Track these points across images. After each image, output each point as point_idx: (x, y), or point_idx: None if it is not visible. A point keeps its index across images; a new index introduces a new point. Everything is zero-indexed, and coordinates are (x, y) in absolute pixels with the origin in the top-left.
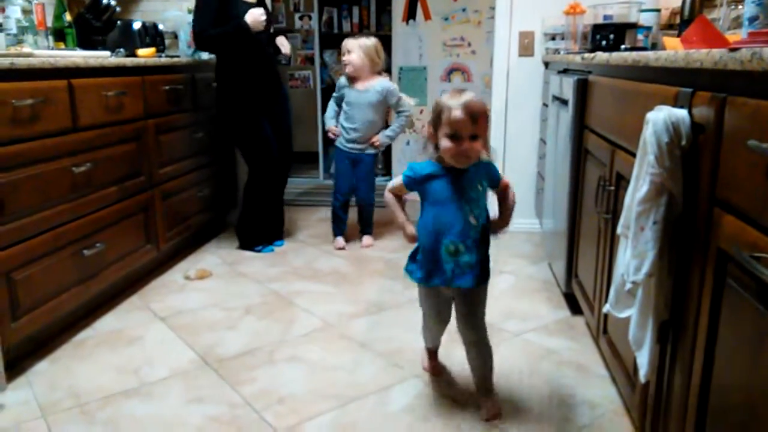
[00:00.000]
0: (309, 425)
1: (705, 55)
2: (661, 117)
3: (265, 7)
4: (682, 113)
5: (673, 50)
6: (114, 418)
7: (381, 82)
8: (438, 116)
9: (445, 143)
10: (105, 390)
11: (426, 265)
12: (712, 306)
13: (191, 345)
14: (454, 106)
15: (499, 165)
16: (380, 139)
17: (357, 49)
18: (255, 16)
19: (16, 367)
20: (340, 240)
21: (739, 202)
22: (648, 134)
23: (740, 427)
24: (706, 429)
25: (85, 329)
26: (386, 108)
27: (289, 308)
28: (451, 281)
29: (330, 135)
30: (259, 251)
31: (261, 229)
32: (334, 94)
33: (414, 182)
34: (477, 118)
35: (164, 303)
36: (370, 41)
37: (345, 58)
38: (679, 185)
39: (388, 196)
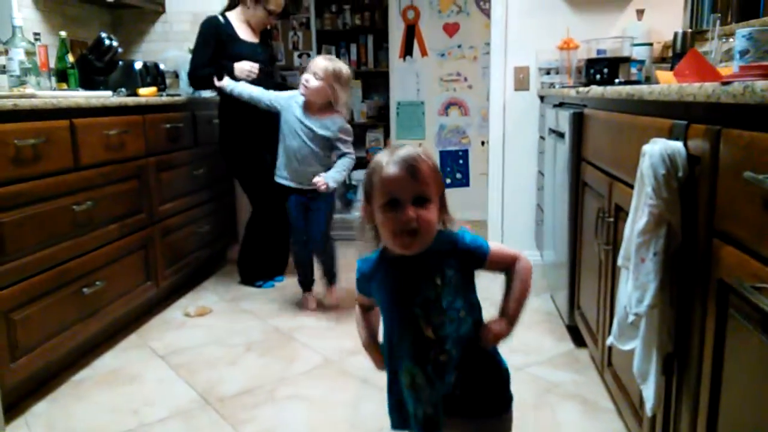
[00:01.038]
0: None
1: (698, 89)
2: (657, 149)
3: (269, 44)
4: (678, 145)
5: (667, 84)
6: None
7: (338, 119)
8: (370, 181)
9: (380, 217)
10: (103, 431)
11: (394, 407)
12: (716, 337)
13: (191, 383)
14: (387, 161)
15: (496, 200)
16: (327, 181)
17: (326, 76)
18: (243, 70)
19: (14, 408)
20: (310, 299)
21: (737, 233)
22: (645, 166)
23: None
24: None
25: (83, 368)
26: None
27: (290, 344)
28: (432, 428)
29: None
30: (259, 286)
31: (262, 264)
32: (280, 94)
33: (364, 284)
34: (420, 174)
35: (163, 340)
36: (345, 72)
37: (307, 78)
38: (677, 216)
39: (356, 310)
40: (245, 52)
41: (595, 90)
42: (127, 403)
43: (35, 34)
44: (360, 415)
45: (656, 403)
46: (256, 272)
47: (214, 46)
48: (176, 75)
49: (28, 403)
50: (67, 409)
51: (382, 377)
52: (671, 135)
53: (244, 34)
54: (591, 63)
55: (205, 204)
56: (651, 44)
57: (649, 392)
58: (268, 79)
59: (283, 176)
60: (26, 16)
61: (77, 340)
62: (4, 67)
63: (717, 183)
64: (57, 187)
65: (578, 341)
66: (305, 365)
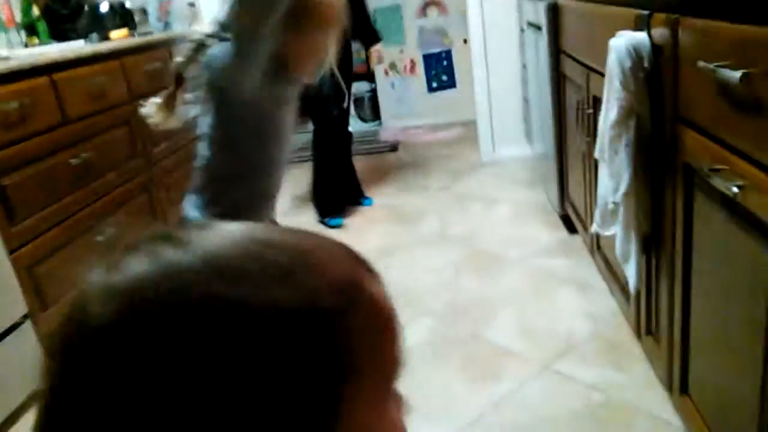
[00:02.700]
0: None
1: None
2: (623, 43)
3: None
4: (642, 36)
5: None
6: None
7: None
8: None
9: None
10: None
11: None
12: (685, 216)
13: None
14: None
15: (483, 98)
16: None
17: None
18: None
19: None
20: None
21: (697, 119)
22: (611, 61)
23: (719, 319)
24: (691, 325)
25: None
26: None
27: None
28: None
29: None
30: (323, 223)
31: (338, 194)
32: None
33: None
34: None
35: None
36: None
37: None
38: (645, 106)
39: None
40: None
41: None
42: None
43: None
44: None
45: (638, 281)
46: (334, 203)
47: None
48: (144, 11)
49: None
50: None
51: (390, 284)
52: (636, 25)
53: None
54: None
55: (199, 138)
56: None
57: (631, 271)
58: None
59: None
60: None
61: None
62: None
63: (679, 72)
64: (50, 144)
65: (571, 229)
66: None
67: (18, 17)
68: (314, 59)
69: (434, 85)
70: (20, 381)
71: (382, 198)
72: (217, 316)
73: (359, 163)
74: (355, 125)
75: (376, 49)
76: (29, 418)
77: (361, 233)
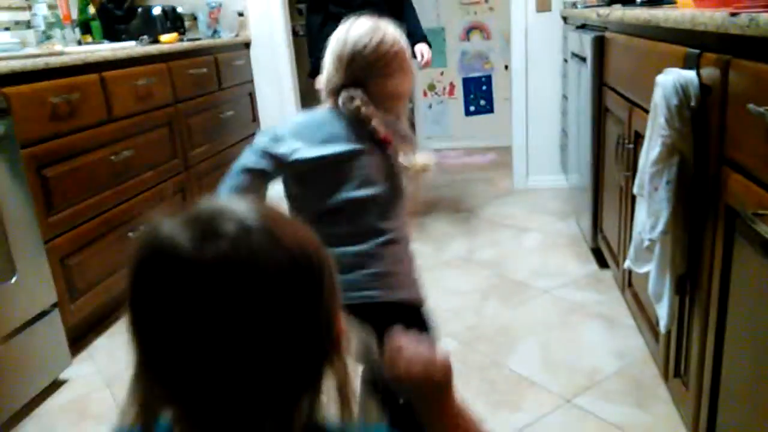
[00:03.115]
0: None
1: (709, 18)
2: (670, 80)
3: None
4: (690, 75)
5: (683, 9)
6: None
7: None
8: None
9: None
10: None
11: None
12: (724, 259)
13: None
14: None
15: (520, 126)
16: None
17: None
18: None
19: (78, 343)
20: None
21: (744, 161)
22: (658, 97)
23: (751, 367)
24: (722, 370)
25: None
26: None
27: None
28: None
29: None
30: None
31: None
32: None
33: None
34: None
35: None
36: None
37: None
38: (689, 146)
39: None
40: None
41: (615, 14)
42: None
43: None
44: None
45: (669, 321)
46: None
47: None
48: (194, 17)
49: (89, 338)
50: (125, 342)
51: None
52: (685, 63)
53: None
54: None
55: (235, 145)
56: None
57: (663, 311)
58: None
59: None
60: None
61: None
62: (29, 22)
63: (726, 113)
64: (94, 139)
65: (602, 263)
66: None
67: (74, 15)
68: None
69: (472, 108)
70: (45, 366)
71: (410, 217)
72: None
73: None
74: None
75: (423, 48)
76: (52, 402)
77: None
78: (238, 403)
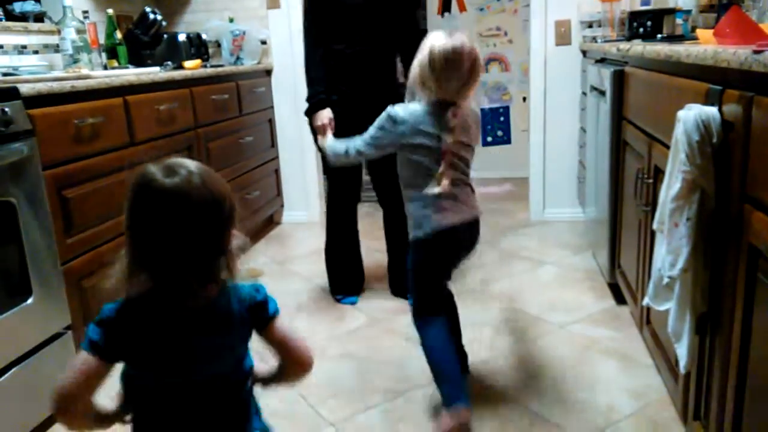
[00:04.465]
0: (361, 418)
1: (731, 55)
2: (692, 116)
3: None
4: (712, 111)
5: (705, 46)
6: None
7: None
8: None
9: None
10: None
11: None
12: (746, 299)
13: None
14: None
15: (538, 157)
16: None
17: None
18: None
19: None
20: None
21: (767, 199)
22: (679, 133)
23: None
24: (743, 415)
25: None
26: None
27: (337, 305)
28: None
29: None
30: (338, 300)
31: (352, 271)
32: None
33: None
34: None
35: None
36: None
37: None
38: (711, 182)
39: None
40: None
41: (635, 49)
42: None
43: (84, 12)
44: (406, 372)
45: (689, 362)
46: (342, 282)
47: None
48: (218, 44)
49: None
50: None
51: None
52: (707, 100)
53: None
54: (634, 15)
55: (253, 170)
56: None
57: (682, 351)
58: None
59: None
60: None
61: None
62: (57, 46)
63: (749, 150)
64: (115, 162)
65: (619, 299)
66: (352, 324)
67: (102, 40)
68: None
69: (489, 139)
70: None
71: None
72: (207, 195)
73: None
74: None
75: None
76: (61, 428)
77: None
78: (182, 261)
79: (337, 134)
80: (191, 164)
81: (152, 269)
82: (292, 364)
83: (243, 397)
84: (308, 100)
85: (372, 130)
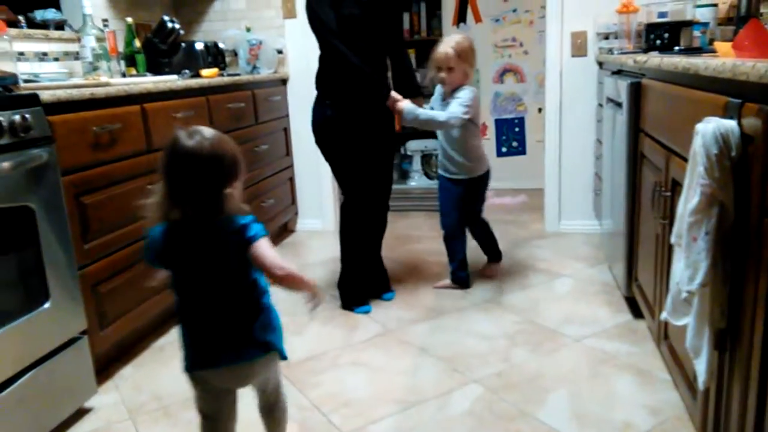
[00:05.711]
0: (373, 428)
1: (751, 69)
2: (711, 129)
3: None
4: (731, 124)
5: (724, 58)
6: (195, 419)
7: (461, 90)
8: None
9: None
10: (185, 393)
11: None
12: (767, 314)
13: None
14: None
15: (553, 169)
16: (403, 106)
17: (456, 61)
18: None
19: (104, 372)
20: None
21: None
22: (697, 146)
23: None
24: None
25: (164, 336)
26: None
27: (351, 314)
28: None
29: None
30: (350, 309)
31: (363, 282)
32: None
33: None
34: None
35: None
36: (466, 44)
37: (443, 76)
38: (730, 196)
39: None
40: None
41: (652, 61)
42: None
43: (104, 20)
44: (419, 383)
45: (708, 378)
46: (358, 294)
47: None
48: (235, 53)
49: (116, 368)
50: (151, 372)
51: (439, 346)
52: (726, 113)
53: None
54: (651, 27)
55: (268, 178)
56: (716, 5)
57: (701, 367)
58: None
59: (440, 168)
60: (94, 3)
61: (158, 309)
62: (77, 54)
63: None
64: (132, 169)
65: (636, 312)
66: (365, 334)
67: (121, 48)
68: None
69: (503, 150)
70: (71, 394)
71: (440, 256)
72: (218, 153)
73: (420, 219)
74: (420, 181)
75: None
76: (76, 431)
77: (414, 291)
78: (197, 195)
79: (338, 138)
80: (206, 131)
81: (177, 203)
82: (269, 277)
83: (247, 299)
84: (378, 87)
85: (462, 107)
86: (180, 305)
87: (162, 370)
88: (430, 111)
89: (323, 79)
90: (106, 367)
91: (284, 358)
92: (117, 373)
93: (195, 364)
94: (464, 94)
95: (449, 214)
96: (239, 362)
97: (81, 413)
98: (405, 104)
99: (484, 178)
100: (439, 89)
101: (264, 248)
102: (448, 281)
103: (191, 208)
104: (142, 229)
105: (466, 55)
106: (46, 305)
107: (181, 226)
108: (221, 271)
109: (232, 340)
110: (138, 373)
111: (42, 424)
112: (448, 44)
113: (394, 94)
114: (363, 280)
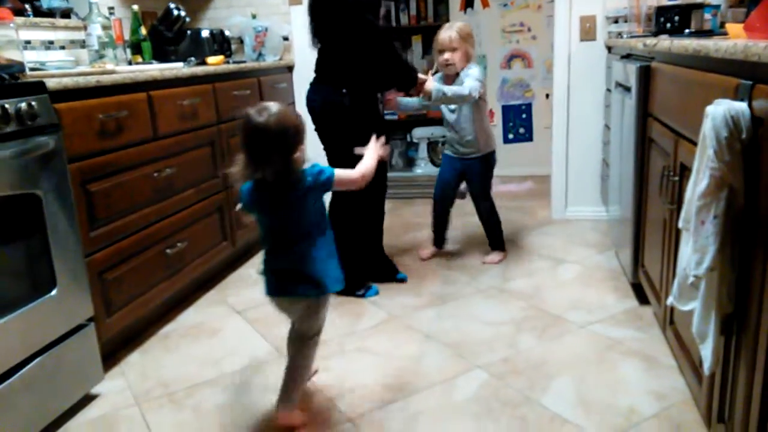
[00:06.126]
0: (378, 413)
1: (763, 49)
2: (721, 111)
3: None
4: (742, 106)
5: (735, 40)
6: (200, 405)
7: (468, 68)
8: None
9: None
10: (190, 379)
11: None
12: None
13: (267, 337)
14: None
15: (560, 155)
16: (428, 85)
17: (458, 44)
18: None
19: (111, 359)
20: (426, 250)
21: None
22: (707, 128)
23: None
24: None
25: (169, 323)
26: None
27: (357, 301)
28: None
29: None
30: (361, 296)
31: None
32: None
33: None
34: None
35: (240, 296)
36: (465, 28)
37: (446, 58)
38: (739, 179)
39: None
40: None
41: (662, 44)
42: (209, 354)
43: (109, 8)
44: (424, 368)
45: (714, 363)
46: (359, 277)
47: None
48: (241, 41)
49: (122, 354)
50: (156, 359)
51: (444, 333)
52: (736, 95)
53: None
54: (661, 10)
55: None
56: None
57: (707, 352)
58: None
59: (448, 149)
60: None
61: (163, 297)
62: (83, 42)
63: None
64: (139, 156)
65: (642, 299)
66: (371, 320)
67: (127, 36)
68: None
69: (510, 136)
70: (78, 381)
71: (444, 244)
72: (283, 126)
73: (426, 206)
74: (426, 168)
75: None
76: (82, 418)
77: (420, 277)
78: (271, 163)
79: (353, 126)
80: (273, 107)
81: (256, 169)
82: (357, 189)
83: (309, 247)
84: (408, 71)
85: (478, 81)
86: (263, 242)
87: (168, 356)
88: (453, 86)
89: (342, 70)
90: (112, 354)
91: (324, 293)
92: (123, 359)
93: (267, 291)
94: (474, 71)
95: (487, 196)
96: (287, 296)
97: (88, 399)
98: (430, 84)
99: (494, 155)
100: (439, 77)
101: (339, 175)
102: (500, 255)
103: (268, 173)
104: (234, 188)
105: (467, 35)
106: (53, 292)
107: (264, 185)
108: (295, 221)
109: (290, 277)
110: (144, 360)
111: (49, 410)
112: (449, 28)
113: (421, 75)
114: (361, 264)
